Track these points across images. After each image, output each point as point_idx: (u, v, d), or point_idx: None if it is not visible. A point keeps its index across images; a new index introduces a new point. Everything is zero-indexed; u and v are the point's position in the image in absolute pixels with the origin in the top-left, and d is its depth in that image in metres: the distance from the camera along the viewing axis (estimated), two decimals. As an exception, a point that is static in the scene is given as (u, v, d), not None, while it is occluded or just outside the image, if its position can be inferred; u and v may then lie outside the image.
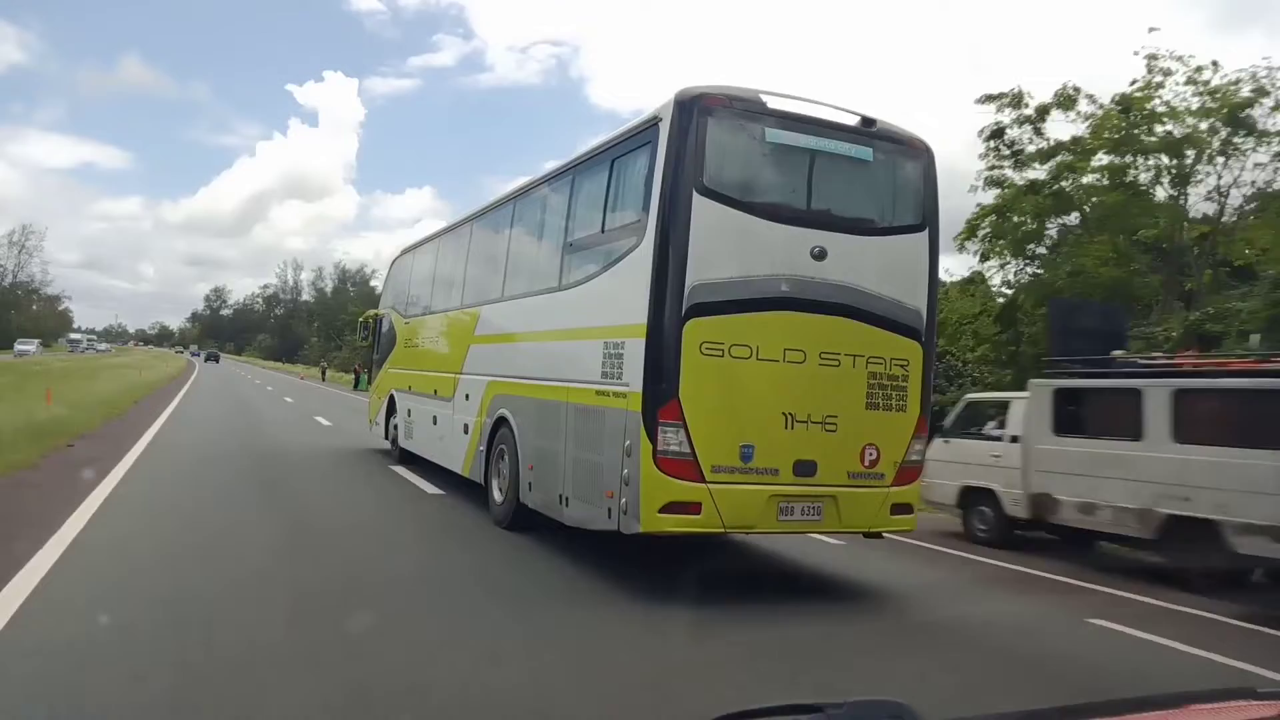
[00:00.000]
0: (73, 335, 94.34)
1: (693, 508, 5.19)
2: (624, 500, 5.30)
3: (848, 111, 5.75)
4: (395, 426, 11.83)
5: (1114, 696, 1.51)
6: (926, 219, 5.89)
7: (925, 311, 5.81)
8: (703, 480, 5.21)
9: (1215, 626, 5.98)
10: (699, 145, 5.26)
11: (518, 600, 5.42)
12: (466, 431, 8.54)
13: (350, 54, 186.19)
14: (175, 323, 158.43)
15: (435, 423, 9.70)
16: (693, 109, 5.27)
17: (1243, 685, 2.12)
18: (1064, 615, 6.11)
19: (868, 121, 5.76)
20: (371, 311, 14.20)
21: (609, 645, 4.65)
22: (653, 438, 5.16)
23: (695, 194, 5.24)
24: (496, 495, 7.62)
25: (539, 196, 7.49)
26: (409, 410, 11.03)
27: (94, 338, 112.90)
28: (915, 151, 5.91)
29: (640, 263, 5.39)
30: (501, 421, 7.57)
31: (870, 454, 5.66)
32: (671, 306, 5.20)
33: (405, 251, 12.56)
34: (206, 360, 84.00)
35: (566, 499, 6.13)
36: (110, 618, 4.29)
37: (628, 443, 5.30)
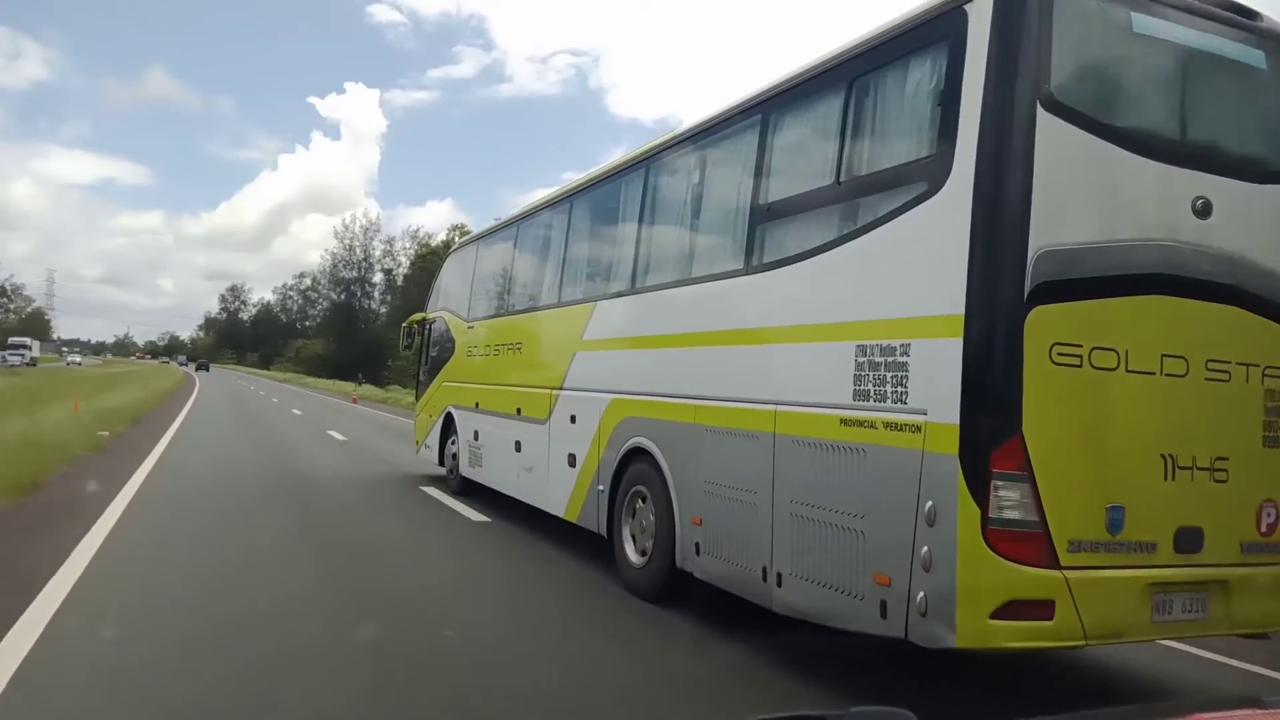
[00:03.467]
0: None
1: (1043, 610, 3.25)
2: (920, 594, 3.36)
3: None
4: (454, 450, 9.92)
5: None
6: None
7: None
8: (1056, 565, 3.28)
9: None
10: (1044, 35, 3.35)
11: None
12: (572, 464, 6.61)
13: (372, 66, 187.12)
14: (187, 332, 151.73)
15: (518, 449, 7.77)
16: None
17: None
18: None
19: (1247, 13, 3.84)
20: (418, 315, 12.27)
21: None
22: (980, 498, 3.22)
23: (1040, 108, 3.32)
24: (632, 555, 5.68)
25: (692, 154, 5.55)
26: (475, 432, 9.10)
27: (70, 349, 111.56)
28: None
29: (941, 219, 3.46)
30: (637, 455, 5.64)
31: (1270, 515, 3.72)
32: (1007, 286, 3.27)
33: (463, 245, 10.65)
34: (198, 370, 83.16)
35: (780, 576, 4.19)
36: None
37: (929, 504, 3.36)
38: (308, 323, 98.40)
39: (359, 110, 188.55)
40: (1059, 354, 3.29)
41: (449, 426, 10.23)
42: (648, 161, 5.99)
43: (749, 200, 4.74)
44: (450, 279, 11.00)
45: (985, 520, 3.21)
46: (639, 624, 5.10)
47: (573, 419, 6.66)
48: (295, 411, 25.25)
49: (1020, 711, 2.95)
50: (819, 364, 4.03)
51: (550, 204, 7.80)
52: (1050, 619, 3.25)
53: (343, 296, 79.45)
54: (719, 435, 4.74)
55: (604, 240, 6.79)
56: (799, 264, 4.26)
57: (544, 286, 7.71)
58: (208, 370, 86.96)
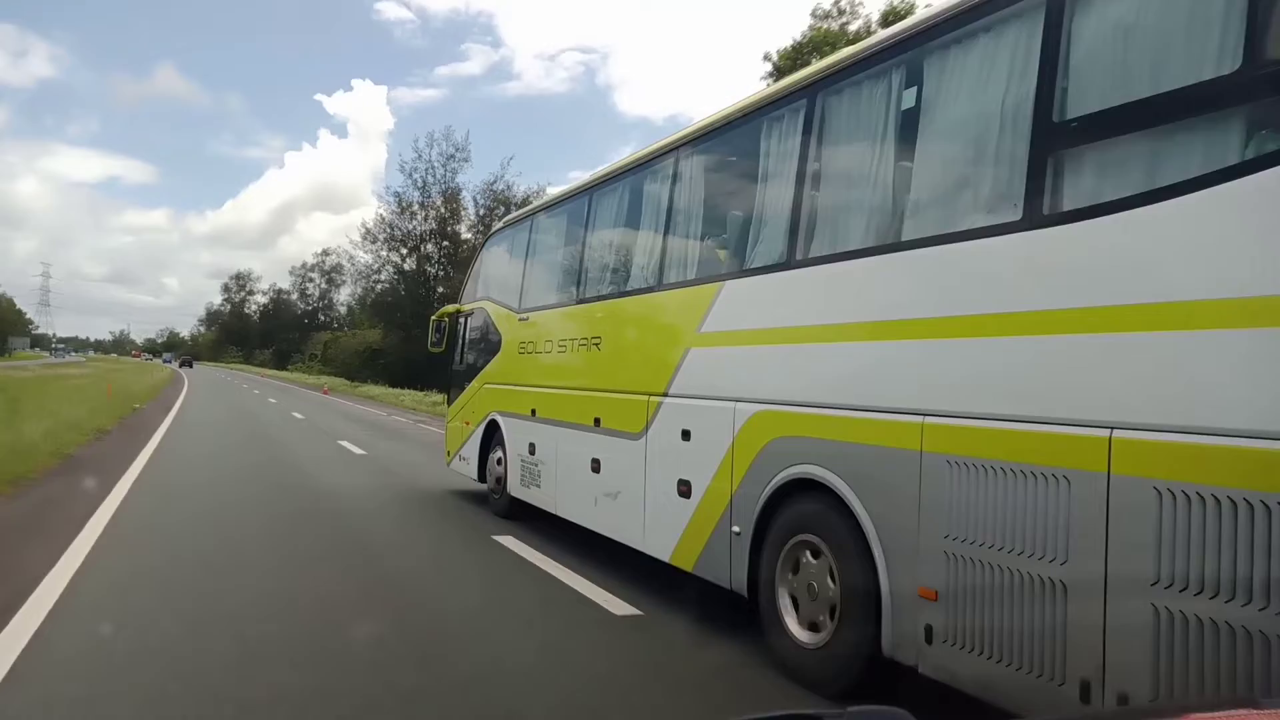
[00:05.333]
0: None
1: None
2: None
3: None
4: (499, 465, 8.35)
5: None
6: None
7: None
8: None
9: None
10: None
11: None
12: (685, 494, 5.05)
13: (380, 63, 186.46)
14: (187, 328, 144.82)
15: (596, 469, 6.21)
16: None
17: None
18: None
19: None
20: (450, 307, 10.70)
21: None
22: None
23: None
24: (796, 629, 4.11)
25: (915, 56, 3.92)
26: (530, 445, 7.53)
27: (58, 346, 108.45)
28: None
29: None
30: (803, 489, 4.09)
31: None
32: None
33: (511, 223, 9.06)
34: (181, 366, 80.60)
35: (1124, 699, 2.63)
36: None
37: None
38: (334, 311, 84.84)
39: (367, 108, 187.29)
40: None
41: (492, 436, 8.67)
42: (822, 84, 4.38)
43: (1032, 111, 3.16)
44: (494, 263, 9.42)
45: None
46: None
47: (685, 435, 5.10)
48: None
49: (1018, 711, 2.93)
50: (1222, 360, 2.47)
51: (641, 164, 6.22)
52: None
53: (410, 259, 50.73)
54: (979, 471, 3.17)
55: (735, 201, 5.22)
56: (1163, 205, 2.69)
57: (634, 266, 6.14)
58: (191, 367, 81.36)
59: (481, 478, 8.87)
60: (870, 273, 3.86)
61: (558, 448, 6.97)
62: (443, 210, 50.45)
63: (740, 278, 4.80)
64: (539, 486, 7.37)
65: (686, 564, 5.05)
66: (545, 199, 8.32)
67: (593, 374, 6.49)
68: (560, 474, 6.93)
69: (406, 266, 51.42)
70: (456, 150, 50.09)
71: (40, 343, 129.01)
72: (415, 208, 50.57)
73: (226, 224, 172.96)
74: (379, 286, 53.72)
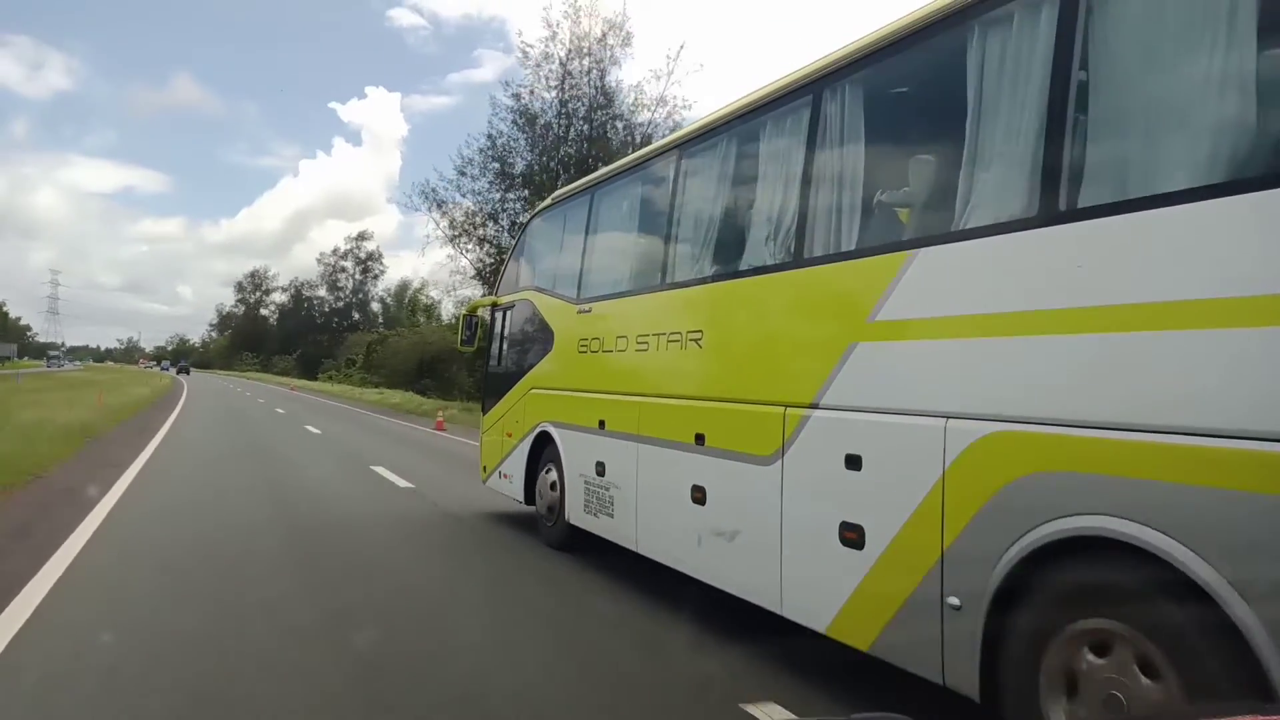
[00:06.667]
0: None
1: None
2: None
3: None
4: (552, 486, 6.98)
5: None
6: None
7: None
8: None
9: None
10: None
11: None
12: (855, 543, 3.66)
13: (393, 71, 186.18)
14: (197, 335, 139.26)
15: (700, 500, 4.83)
16: None
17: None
18: None
19: None
20: (483, 299, 9.35)
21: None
22: None
23: None
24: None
25: None
26: (599, 464, 6.16)
27: (57, 354, 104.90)
28: None
29: None
30: (1094, 553, 2.71)
31: None
32: None
33: (565, 198, 7.66)
34: (178, 373, 78.83)
35: None
36: None
37: None
38: (369, 308, 71.04)
39: (380, 115, 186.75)
40: None
41: (542, 451, 7.30)
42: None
43: None
44: (543, 246, 8.05)
45: None
46: None
47: (853, 462, 3.71)
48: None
49: None
50: None
51: (758, 108, 4.82)
52: None
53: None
54: None
55: (926, 138, 3.84)
56: None
57: (752, 239, 4.75)
58: (188, 374, 78.21)
59: (529, 500, 7.50)
60: (1224, 219, 2.47)
61: (639, 469, 5.60)
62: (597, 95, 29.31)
63: (948, 243, 3.41)
64: (610, 515, 6.00)
65: (859, 640, 3.66)
66: (614, 165, 6.93)
67: (690, 378, 5.11)
68: (643, 502, 5.55)
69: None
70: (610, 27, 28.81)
71: (28, 350, 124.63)
72: (550, 117, 29.39)
73: (241, 232, 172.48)
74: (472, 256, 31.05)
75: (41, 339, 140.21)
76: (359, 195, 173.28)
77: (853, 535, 3.69)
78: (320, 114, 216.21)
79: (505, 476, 8.02)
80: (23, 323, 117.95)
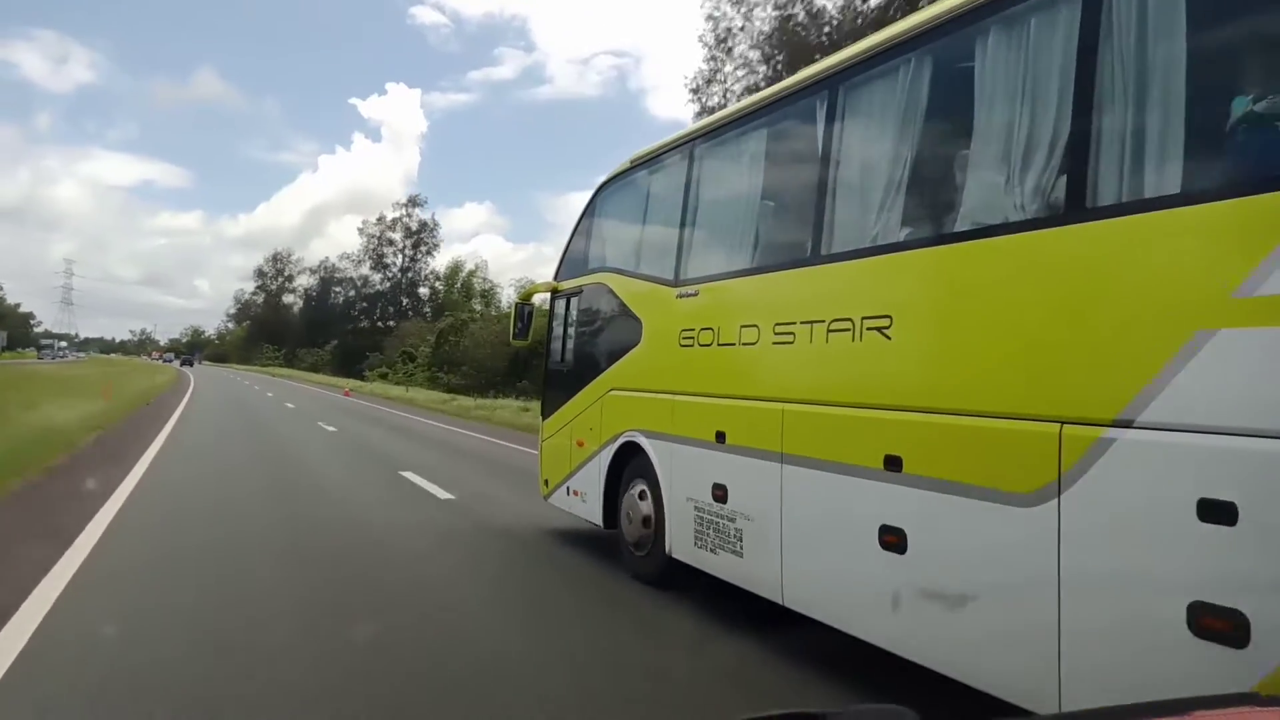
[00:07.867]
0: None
1: None
2: None
3: None
4: (644, 510, 5.71)
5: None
6: None
7: None
8: None
9: None
10: None
11: None
12: (1217, 633, 2.38)
13: (413, 67, 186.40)
14: (212, 327, 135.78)
15: (900, 548, 3.53)
16: None
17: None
18: None
19: None
20: (541, 285, 8.05)
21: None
22: None
23: None
24: None
25: None
26: (719, 487, 4.87)
27: (57, 344, 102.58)
28: None
29: None
30: None
31: None
32: None
33: (650, 160, 6.30)
34: (183, 365, 77.42)
35: None
36: None
37: None
38: (417, 291, 56.42)
39: (400, 111, 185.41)
40: None
41: (625, 465, 6.04)
42: None
43: None
44: (621, 219, 6.75)
45: None
46: None
47: (1209, 510, 2.44)
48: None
49: (1021, 709, 2.84)
50: None
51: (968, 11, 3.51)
52: None
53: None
54: None
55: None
56: None
57: (981, 185, 3.46)
58: (192, 366, 74.81)
59: (610, 523, 6.24)
60: None
61: (785, 498, 4.31)
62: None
63: None
64: (735, 554, 4.72)
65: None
66: (720, 115, 5.61)
67: (871, 380, 3.82)
68: (793, 541, 4.27)
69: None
70: None
71: (21, 340, 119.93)
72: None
73: (259, 227, 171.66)
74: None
75: (55, 329, 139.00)
76: (378, 191, 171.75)
77: (1213, 623, 2.42)
78: (340, 110, 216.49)
79: (576, 494, 6.75)
80: (29, 313, 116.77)
